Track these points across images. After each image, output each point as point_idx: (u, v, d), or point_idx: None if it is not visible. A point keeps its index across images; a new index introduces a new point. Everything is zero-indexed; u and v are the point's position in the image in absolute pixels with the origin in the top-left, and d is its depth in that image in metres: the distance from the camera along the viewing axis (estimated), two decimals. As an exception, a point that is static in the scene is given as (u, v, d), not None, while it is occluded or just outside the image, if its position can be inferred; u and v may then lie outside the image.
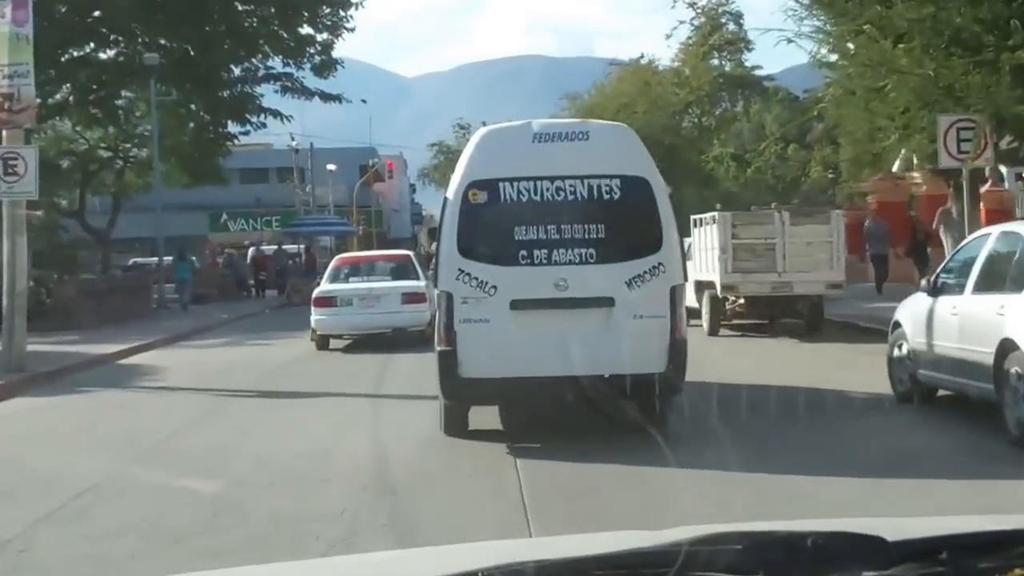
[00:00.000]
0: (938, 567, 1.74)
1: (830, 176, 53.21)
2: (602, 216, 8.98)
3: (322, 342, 17.83)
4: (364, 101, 39.74)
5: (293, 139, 55.17)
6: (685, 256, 10.00)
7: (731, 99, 50.99)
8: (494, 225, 9.04)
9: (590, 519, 6.47)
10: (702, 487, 7.28)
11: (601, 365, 8.66)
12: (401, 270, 19.24)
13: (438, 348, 9.05)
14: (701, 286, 18.68)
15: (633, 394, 8.72)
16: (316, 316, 17.65)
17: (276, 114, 35.43)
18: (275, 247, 36.48)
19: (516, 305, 8.86)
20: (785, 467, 7.75)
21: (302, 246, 42.23)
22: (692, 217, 19.52)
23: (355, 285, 18.38)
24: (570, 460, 8.24)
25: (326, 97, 35.56)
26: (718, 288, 17.47)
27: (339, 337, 18.27)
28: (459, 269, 8.90)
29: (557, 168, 8.98)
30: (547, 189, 8.95)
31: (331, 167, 61.89)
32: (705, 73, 48.58)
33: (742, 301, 17.84)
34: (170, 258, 32.68)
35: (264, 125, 36.52)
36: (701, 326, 18.56)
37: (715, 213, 17.58)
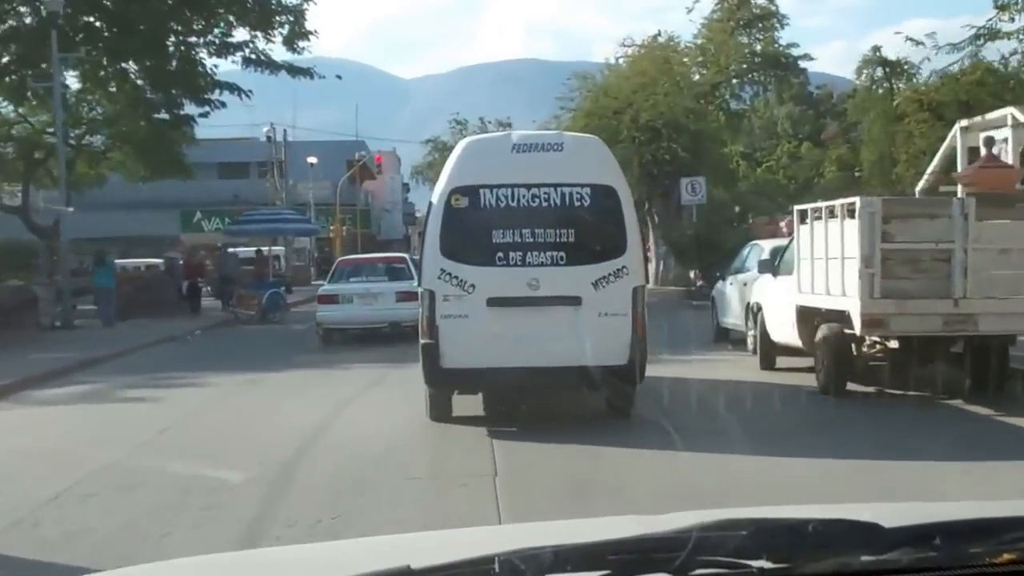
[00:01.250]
0: (931, 552, 1.80)
1: (856, 174, 47.62)
2: (572, 221, 9.66)
3: (327, 335, 19.36)
4: (339, 77, 33.23)
5: (271, 127, 48.84)
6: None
7: (764, 80, 44.02)
8: (474, 228, 9.68)
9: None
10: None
11: (569, 357, 9.38)
12: (397, 271, 20.55)
13: (422, 341, 9.68)
14: (809, 315, 12.01)
15: (598, 384, 9.58)
16: (321, 312, 19.65)
17: (233, 88, 29.25)
18: (221, 248, 29.83)
19: (492, 302, 9.57)
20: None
21: (271, 249, 35.41)
22: (797, 208, 12.78)
23: (356, 285, 20.12)
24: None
25: (294, 71, 30.56)
26: (855, 322, 10.60)
27: (343, 330, 19.45)
28: (441, 269, 9.61)
29: (533, 176, 9.65)
30: (523, 196, 9.62)
31: (312, 160, 55.11)
32: (734, 51, 41.94)
33: (895, 344, 11.08)
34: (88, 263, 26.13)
35: (223, 104, 30.74)
36: (808, 372, 12.01)
37: (852, 199, 10.74)
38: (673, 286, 35.92)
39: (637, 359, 9.46)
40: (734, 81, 42.34)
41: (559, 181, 9.59)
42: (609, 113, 36.33)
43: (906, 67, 67.00)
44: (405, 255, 23.79)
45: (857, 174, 47.40)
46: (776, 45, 43.98)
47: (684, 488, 7.22)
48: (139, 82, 30.35)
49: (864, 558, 1.76)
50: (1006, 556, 1.77)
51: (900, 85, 65.08)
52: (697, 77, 39.83)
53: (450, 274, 9.52)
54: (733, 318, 16.72)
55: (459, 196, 9.65)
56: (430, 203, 10.29)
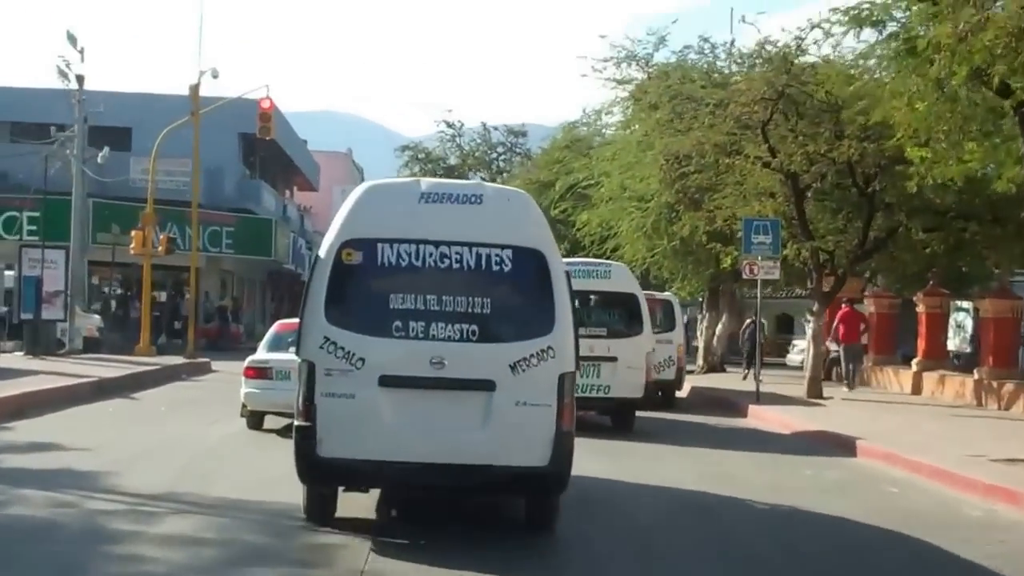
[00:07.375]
0: None
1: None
2: (490, 289, 8.43)
3: (254, 420, 15.49)
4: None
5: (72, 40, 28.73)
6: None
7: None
8: (367, 291, 8.50)
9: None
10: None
11: (476, 454, 8.20)
12: None
13: (295, 423, 8.40)
14: None
15: (510, 489, 8.57)
16: (247, 389, 15.42)
17: None
18: None
19: (385, 381, 8.26)
20: None
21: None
22: None
23: (294, 356, 15.74)
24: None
25: None
26: None
27: (278, 415, 15.06)
28: (325, 337, 8.29)
29: (444, 233, 8.42)
30: (431, 255, 8.39)
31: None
32: None
33: None
34: None
35: None
36: None
37: None
38: None
39: (562, 460, 8.28)
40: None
41: (475, 240, 8.41)
42: None
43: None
44: None
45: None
46: None
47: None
48: None
49: None
50: None
51: None
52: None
53: (335, 344, 8.23)
54: None
55: (351, 251, 8.41)
56: (316, 256, 8.87)
